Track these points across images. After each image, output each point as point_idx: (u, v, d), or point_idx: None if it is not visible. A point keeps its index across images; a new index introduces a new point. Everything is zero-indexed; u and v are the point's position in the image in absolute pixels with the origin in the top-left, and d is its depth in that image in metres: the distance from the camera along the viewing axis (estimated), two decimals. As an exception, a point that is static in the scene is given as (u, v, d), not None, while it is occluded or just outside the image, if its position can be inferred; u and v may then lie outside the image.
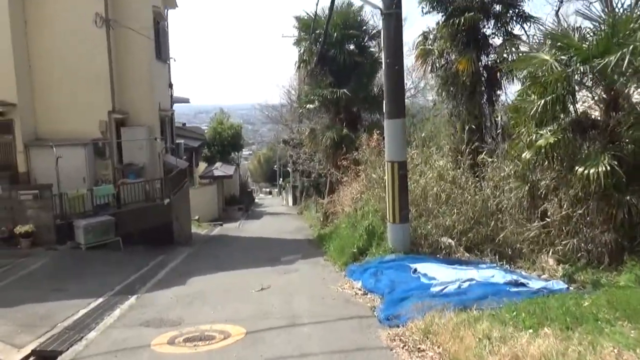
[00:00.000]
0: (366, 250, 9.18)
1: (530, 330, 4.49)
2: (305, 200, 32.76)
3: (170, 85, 20.33)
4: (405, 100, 10.43)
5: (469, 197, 9.05)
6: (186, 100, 34.24)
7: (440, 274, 7.15)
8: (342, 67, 17.14)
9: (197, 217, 23.54)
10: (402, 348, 4.67)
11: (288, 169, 45.18)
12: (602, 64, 6.88)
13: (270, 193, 66.01)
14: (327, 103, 17.83)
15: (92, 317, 6.91)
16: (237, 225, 25.87)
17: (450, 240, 8.81)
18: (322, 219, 19.50)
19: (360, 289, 7.25)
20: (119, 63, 15.15)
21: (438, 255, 8.62)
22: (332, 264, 9.75)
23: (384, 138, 13.16)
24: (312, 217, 25.43)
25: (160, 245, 14.02)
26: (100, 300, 7.93)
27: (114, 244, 12.83)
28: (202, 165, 36.59)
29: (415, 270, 7.58)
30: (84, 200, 12.84)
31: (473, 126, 11.55)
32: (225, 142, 39.43)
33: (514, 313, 4.93)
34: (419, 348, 4.57)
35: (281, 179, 56.26)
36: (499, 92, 12.54)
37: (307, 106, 18.32)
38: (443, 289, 6.49)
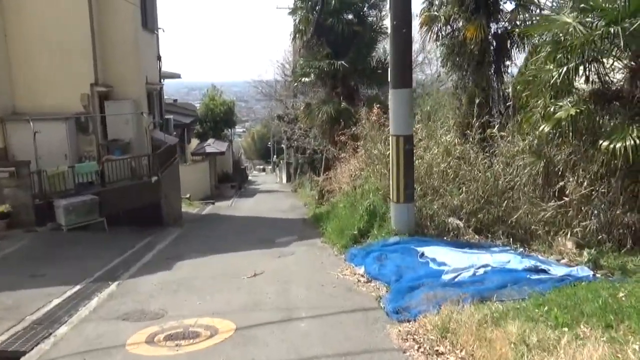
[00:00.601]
0: (367, 232, 8.51)
1: (566, 329, 3.86)
2: (299, 178, 32.05)
3: (159, 58, 19.35)
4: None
5: (479, 175, 8.36)
6: (177, 76, 33.21)
7: (450, 259, 6.50)
8: (340, 37, 16.20)
9: (188, 196, 22.79)
10: (417, 350, 4.03)
11: (282, 145, 44.34)
12: (635, 25, 6.15)
13: (263, 170, 65.22)
14: (324, 76, 16.94)
15: (66, 309, 6.23)
16: (229, 204, 25.16)
17: (458, 222, 8.15)
18: (317, 197, 18.85)
19: (362, 275, 6.59)
20: (102, 32, 14.15)
21: (445, 238, 7.97)
22: (330, 246, 9.09)
23: (384, 111, 12.57)
24: (306, 194, 24.79)
25: (147, 226, 13.31)
26: (78, 287, 7.24)
27: (98, 224, 12.10)
28: (194, 142, 35.68)
29: (423, 254, 6.94)
30: (65, 178, 12.04)
31: (482, 99, 10.78)
32: (217, 118, 38.40)
33: (544, 308, 4.28)
34: (437, 351, 3.92)
35: (275, 156, 55.44)
36: (507, 62, 11.78)
37: (303, 79, 17.41)
38: (456, 276, 5.84)
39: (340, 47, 16.32)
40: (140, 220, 13.32)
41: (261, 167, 67.82)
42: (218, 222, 16.43)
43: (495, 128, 8.67)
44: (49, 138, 12.62)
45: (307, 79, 17.35)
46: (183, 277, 7.48)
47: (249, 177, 48.98)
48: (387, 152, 10.46)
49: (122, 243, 11.04)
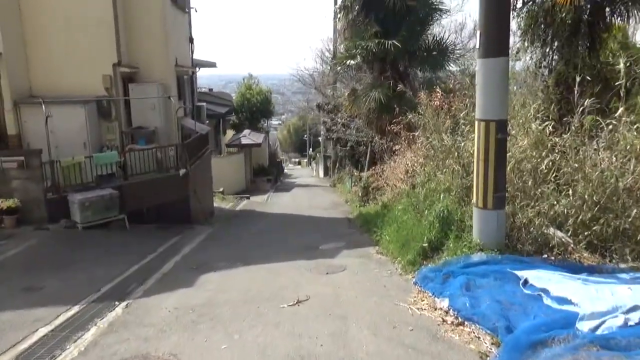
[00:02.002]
0: (440, 244, 6.66)
1: None
2: (338, 172, 30.26)
3: (191, 40, 17.88)
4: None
5: (591, 173, 6.35)
6: (212, 64, 31.90)
7: (572, 292, 4.61)
8: (391, 14, 14.22)
9: (221, 190, 21.40)
10: None
11: (319, 138, 42.63)
12: None
13: (299, 163, 63.79)
14: (371, 58, 15.05)
15: (50, 345, 4.67)
16: (265, 199, 23.65)
17: (562, 235, 6.21)
18: (361, 195, 17.03)
19: (447, 312, 4.78)
20: (126, 6, 12.72)
21: (545, 255, 6.06)
22: (390, 260, 7.30)
23: (446, 95, 10.63)
24: (347, 190, 23.02)
25: (174, 224, 11.90)
26: (76, 309, 5.72)
27: (118, 222, 10.70)
28: (230, 133, 34.44)
29: (526, 281, 5.07)
30: (82, 170, 10.66)
31: (582, 77, 8.69)
32: (254, 108, 37.04)
33: None
34: None
35: (311, 149, 53.87)
36: (605, 34, 9.63)
37: (347, 62, 15.55)
38: (598, 325, 3.95)
39: (390, 25, 14.36)
40: (167, 218, 11.94)
41: (297, 160, 66.54)
42: (253, 221, 14.85)
43: (620, 110, 6.59)
44: (67, 124, 11.32)
45: (352, 62, 15.50)
46: (207, 299, 5.85)
47: (285, 170, 47.55)
48: (456, 144, 8.61)
49: (142, 245, 9.58)
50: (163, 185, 11.99)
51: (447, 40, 14.70)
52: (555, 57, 9.54)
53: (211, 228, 12.64)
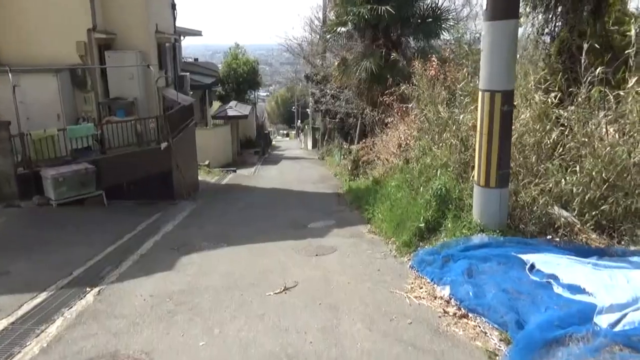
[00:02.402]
0: (437, 224, 6.24)
1: None
2: (327, 145, 29.70)
3: (173, 6, 16.98)
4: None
5: (600, 148, 5.91)
6: (198, 33, 30.84)
7: (584, 279, 4.22)
8: (384, -23, 13.49)
9: (207, 162, 20.79)
10: None
11: (307, 110, 41.84)
12: None
13: (287, 135, 63.06)
14: (363, 25, 14.37)
15: (8, 342, 4.20)
16: (252, 172, 23.09)
17: (568, 215, 5.81)
18: (350, 168, 16.56)
19: (449, 302, 4.37)
20: (101, -33, 11.85)
21: (550, 237, 5.67)
22: (383, 240, 6.88)
23: (441, 64, 10.06)
24: (336, 163, 22.55)
25: (156, 200, 11.36)
26: (43, 296, 5.24)
27: (95, 199, 10.12)
28: (216, 105, 33.54)
29: (533, 266, 4.68)
30: (56, 144, 10.01)
31: (590, 45, 8.17)
32: (240, 79, 36.07)
33: None
34: None
35: (299, 121, 53.11)
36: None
37: (338, 29, 14.83)
38: (619, 320, 3.57)
39: (383, -10, 13.63)
40: (147, 194, 11.39)
41: (285, 132, 65.78)
42: (238, 195, 14.34)
43: (633, 81, 6.10)
44: (38, 94, 10.61)
45: (343, 29, 14.81)
46: (186, 285, 5.39)
47: (273, 142, 46.82)
48: (453, 117, 8.11)
49: (121, 223, 9.06)
50: (143, 160, 11.40)
51: (442, 7, 14.02)
52: (559, 23, 9.00)
53: (195, 204, 12.11)
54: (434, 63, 9.65)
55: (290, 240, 7.33)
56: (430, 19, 14.03)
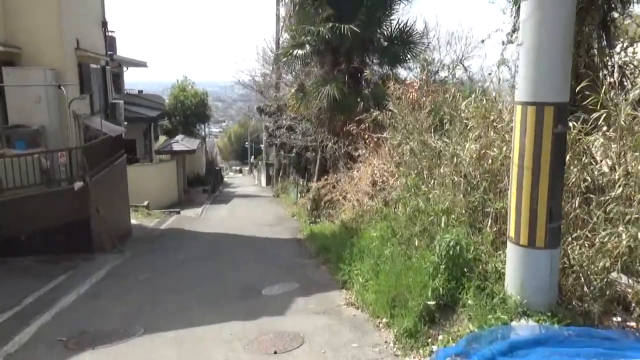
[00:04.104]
0: (452, 299, 4.28)
1: None
2: (282, 181, 27.64)
3: (104, 24, 14.76)
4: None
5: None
6: (142, 64, 28.79)
7: None
8: (348, -7, 11.95)
9: (146, 204, 18.21)
10: None
11: (261, 145, 39.84)
12: None
13: (240, 172, 60.63)
14: (323, 48, 12.71)
15: None
16: (199, 213, 20.60)
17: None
18: (310, 208, 14.58)
19: None
20: (2, -33, 9.61)
21: (619, 319, 3.83)
22: (370, 319, 4.83)
23: (421, 86, 8.42)
24: (292, 202, 20.51)
25: (68, 254, 8.92)
26: None
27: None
28: (163, 139, 30.98)
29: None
30: None
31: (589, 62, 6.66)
32: (188, 111, 33.77)
33: None
34: None
35: (252, 157, 51.06)
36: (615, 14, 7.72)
37: (294, 52, 13.01)
38: None
39: (346, 7, 12.03)
40: (56, 247, 8.96)
41: (238, 168, 63.44)
42: (178, 244, 11.93)
43: None
44: None
45: (300, 51, 13.00)
46: None
47: (225, 179, 44.30)
48: (451, 147, 6.30)
49: (3, 292, 6.59)
50: (51, 204, 8.97)
51: (412, 27, 12.54)
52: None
53: (121, 257, 9.67)
54: (415, 85, 7.96)
55: (238, 321, 5.15)
56: (398, 43, 12.53)
